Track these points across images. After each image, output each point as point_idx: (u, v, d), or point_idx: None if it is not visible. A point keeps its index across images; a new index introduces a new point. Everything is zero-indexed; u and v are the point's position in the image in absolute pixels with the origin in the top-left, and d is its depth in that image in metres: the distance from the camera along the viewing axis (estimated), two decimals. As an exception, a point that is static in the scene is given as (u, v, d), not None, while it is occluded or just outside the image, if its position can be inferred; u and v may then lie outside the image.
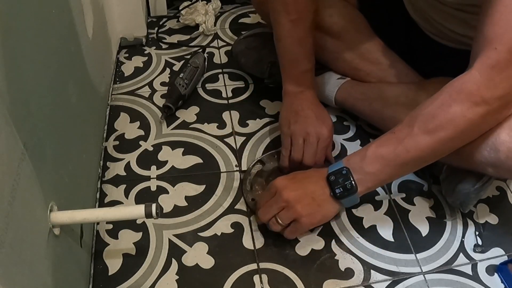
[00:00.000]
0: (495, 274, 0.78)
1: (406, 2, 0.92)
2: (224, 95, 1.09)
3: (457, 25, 0.82)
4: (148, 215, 0.60)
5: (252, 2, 1.11)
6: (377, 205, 0.87)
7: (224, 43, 1.25)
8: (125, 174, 0.90)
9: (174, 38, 1.26)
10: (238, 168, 0.92)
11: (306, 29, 0.86)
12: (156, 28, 1.28)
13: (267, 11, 0.90)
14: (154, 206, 0.60)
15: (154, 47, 1.22)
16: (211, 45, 1.24)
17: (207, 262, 0.77)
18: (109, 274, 0.75)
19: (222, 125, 1.01)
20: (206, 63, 1.13)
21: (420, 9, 0.88)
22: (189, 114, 1.03)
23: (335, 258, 0.79)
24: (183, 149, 0.95)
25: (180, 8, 1.30)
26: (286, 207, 0.74)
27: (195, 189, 0.88)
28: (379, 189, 0.90)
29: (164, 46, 1.23)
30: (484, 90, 0.62)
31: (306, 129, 0.85)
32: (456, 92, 0.65)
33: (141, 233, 0.81)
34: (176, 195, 0.87)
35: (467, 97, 0.64)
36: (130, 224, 0.82)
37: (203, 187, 0.89)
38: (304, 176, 0.77)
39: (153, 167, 0.92)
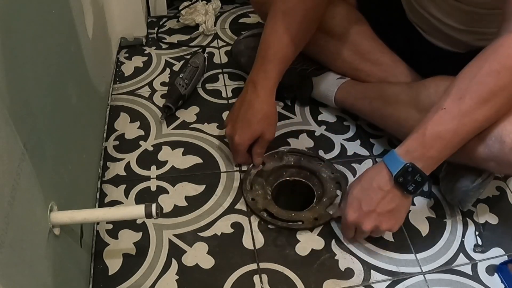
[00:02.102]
0: (495, 274, 0.78)
1: (403, 2, 0.92)
2: (224, 95, 1.09)
3: (458, 20, 0.82)
4: (148, 215, 0.60)
5: (252, 2, 1.11)
6: (377, 205, 0.87)
7: (224, 43, 1.25)
8: (125, 174, 0.90)
9: (174, 38, 1.26)
10: (238, 168, 0.92)
11: (293, 23, 0.85)
12: (156, 28, 1.28)
13: (266, 11, 0.90)
14: (154, 206, 0.60)
15: (154, 47, 1.22)
16: (211, 45, 1.24)
17: (207, 262, 0.77)
18: (109, 274, 0.75)
19: (222, 125, 1.00)
20: (206, 63, 1.13)
21: (418, 8, 0.87)
22: (189, 114, 1.03)
23: (335, 258, 0.79)
24: (183, 149, 0.95)
25: (180, 8, 1.30)
26: (373, 231, 0.75)
27: (195, 189, 0.88)
28: (379, 189, 0.90)
29: (164, 46, 1.23)
30: None
31: (248, 137, 0.86)
32: (503, 58, 0.64)
33: (141, 233, 0.81)
34: (176, 195, 0.87)
35: None
36: (130, 224, 0.82)
37: (203, 187, 0.89)
38: (372, 201, 0.73)
39: (153, 167, 0.92)
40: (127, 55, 1.20)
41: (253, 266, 0.77)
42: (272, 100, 0.87)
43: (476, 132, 0.70)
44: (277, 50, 0.86)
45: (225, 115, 1.03)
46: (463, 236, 0.83)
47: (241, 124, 0.86)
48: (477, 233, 0.84)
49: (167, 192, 0.87)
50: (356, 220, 0.74)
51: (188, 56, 1.15)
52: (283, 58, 0.87)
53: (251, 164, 0.91)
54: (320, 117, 1.04)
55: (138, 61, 1.18)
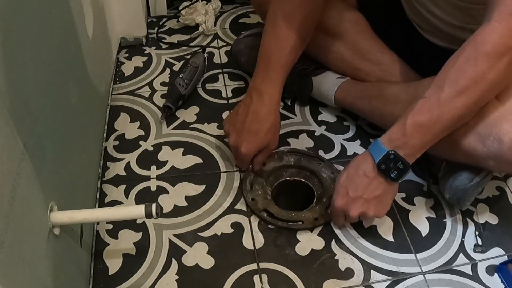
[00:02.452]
0: (495, 274, 0.78)
1: (402, 1, 0.92)
2: (224, 95, 1.09)
3: (455, 16, 0.82)
4: (148, 215, 0.60)
5: (252, 2, 1.11)
6: (377, 205, 0.87)
7: (224, 43, 1.25)
8: (125, 174, 0.90)
9: (174, 38, 1.26)
10: (238, 168, 0.92)
11: (293, 28, 0.84)
12: (156, 28, 1.28)
13: (266, 11, 0.90)
14: (154, 206, 0.60)
15: (154, 47, 1.22)
16: (211, 45, 1.24)
17: (207, 262, 0.77)
18: (109, 274, 0.75)
19: (222, 125, 1.00)
20: (206, 63, 1.13)
21: (416, 5, 0.87)
22: (189, 114, 1.03)
23: (335, 258, 0.79)
24: (183, 149, 0.95)
25: (180, 8, 1.30)
26: (361, 216, 0.76)
27: (195, 189, 0.88)
28: (379, 189, 0.90)
29: (164, 46, 1.23)
30: (507, 39, 0.64)
31: (255, 148, 0.86)
32: (480, 44, 0.65)
33: (141, 233, 0.81)
34: (176, 195, 0.87)
35: (492, 48, 0.64)
36: (130, 224, 0.82)
37: (203, 187, 0.89)
38: (358, 187, 0.75)
39: (153, 167, 0.92)
40: (127, 55, 1.20)
41: (253, 266, 0.77)
42: (277, 109, 0.87)
43: (459, 121, 0.70)
44: (279, 56, 0.86)
45: (225, 115, 1.03)
46: (463, 236, 0.83)
47: (247, 135, 0.86)
48: (477, 233, 0.84)
49: (167, 192, 0.87)
50: (344, 207, 0.76)
51: (188, 56, 1.15)
52: (286, 64, 0.87)
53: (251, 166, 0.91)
54: (320, 117, 1.04)
55: (138, 61, 1.18)
